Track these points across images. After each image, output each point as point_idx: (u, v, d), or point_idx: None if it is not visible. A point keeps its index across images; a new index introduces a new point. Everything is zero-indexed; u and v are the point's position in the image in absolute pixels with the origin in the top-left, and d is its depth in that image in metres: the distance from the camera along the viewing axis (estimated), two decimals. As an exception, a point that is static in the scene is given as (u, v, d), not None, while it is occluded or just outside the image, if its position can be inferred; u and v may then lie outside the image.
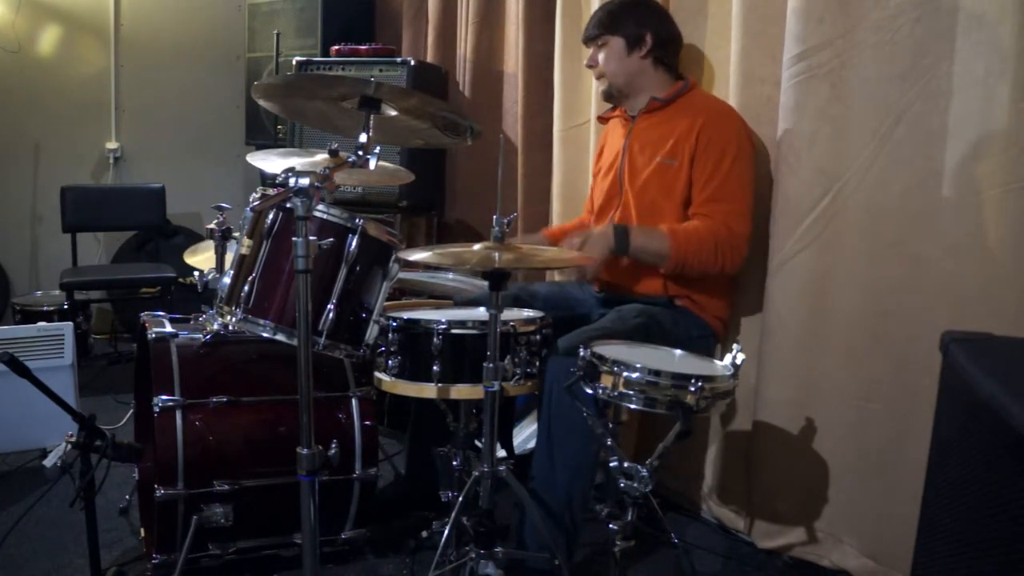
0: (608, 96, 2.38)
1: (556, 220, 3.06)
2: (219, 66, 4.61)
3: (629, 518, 1.65)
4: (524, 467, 2.03)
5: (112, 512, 2.37)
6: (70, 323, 2.92)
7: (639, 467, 1.61)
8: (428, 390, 1.89)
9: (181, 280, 3.91)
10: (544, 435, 1.95)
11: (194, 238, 3.63)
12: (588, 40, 2.36)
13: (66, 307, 3.76)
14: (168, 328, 2.08)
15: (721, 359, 1.75)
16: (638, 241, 2.10)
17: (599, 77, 2.37)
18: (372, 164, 1.69)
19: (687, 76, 2.35)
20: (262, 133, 3.99)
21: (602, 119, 2.53)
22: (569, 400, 1.74)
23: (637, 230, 2.13)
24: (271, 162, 2.19)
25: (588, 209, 2.59)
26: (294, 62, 3.53)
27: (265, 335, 1.80)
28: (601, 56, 2.32)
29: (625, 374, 1.61)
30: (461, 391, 1.89)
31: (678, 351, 1.88)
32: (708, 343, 2.25)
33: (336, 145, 1.95)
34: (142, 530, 2.20)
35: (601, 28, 2.31)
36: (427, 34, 3.81)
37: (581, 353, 1.71)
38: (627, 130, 2.35)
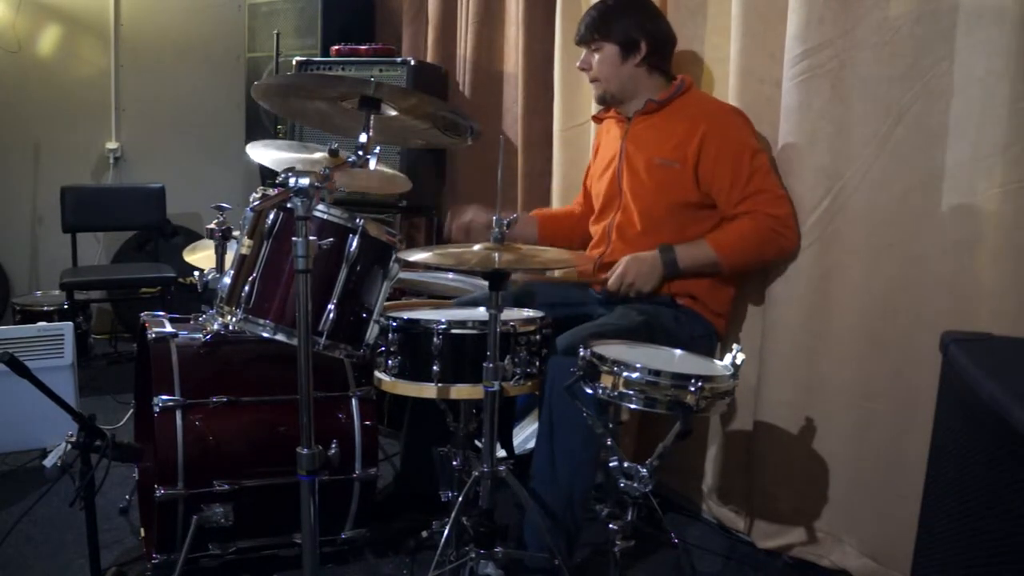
0: (601, 100, 2.36)
1: (556, 220, 3.06)
2: (219, 66, 4.60)
3: (629, 518, 1.66)
4: (524, 467, 2.03)
5: (112, 512, 2.37)
6: (70, 323, 2.92)
7: (639, 467, 1.61)
8: (428, 390, 1.89)
9: (181, 280, 3.90)
10: (545, 434, 1.95)
11: (194, 238, 3.61)
12: (581, 43, 2.32)
13: (66, 307, 3.76)
14: (168, 328, 2.08)
15: (721, 359, 1.75)
16: (685, 258, 2.14)
17: (593, 81, 2.33)
18: (372, 164, 1.69)
19: (681, 75, 2.31)
20: (262, 133, 3.98)
21: (596, 119, 2.51)
22: (570, 400, 1.74)
23: (681, 248, 2.15)
24: (269, 155, 2.20)
25: (578, 202, 2.60)
26: (294, 62, 3.52)
27: (265, 335, 1.80)
28: (595, 59, 2.29)
29: (625, 374, 1.61)
30: (461, 391, 1.89)
31: (678, 351, 1.88)
32: (710, 342, 2.25)
33: (336, 145, 1.95)
34: (142, 530, 2.20)
35: (594, 31, 2.27)
36: (427, 34, 3.81)
37: (581, 353, 1.71)
38: (623, 132, 2.33)
